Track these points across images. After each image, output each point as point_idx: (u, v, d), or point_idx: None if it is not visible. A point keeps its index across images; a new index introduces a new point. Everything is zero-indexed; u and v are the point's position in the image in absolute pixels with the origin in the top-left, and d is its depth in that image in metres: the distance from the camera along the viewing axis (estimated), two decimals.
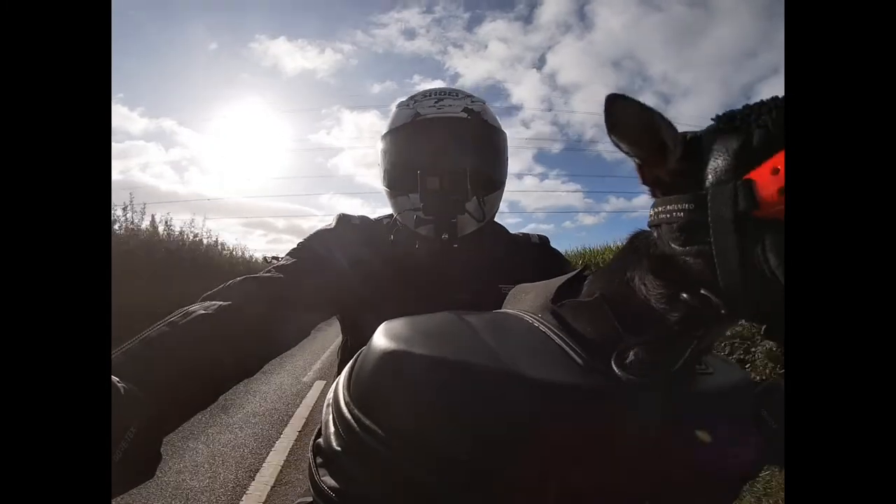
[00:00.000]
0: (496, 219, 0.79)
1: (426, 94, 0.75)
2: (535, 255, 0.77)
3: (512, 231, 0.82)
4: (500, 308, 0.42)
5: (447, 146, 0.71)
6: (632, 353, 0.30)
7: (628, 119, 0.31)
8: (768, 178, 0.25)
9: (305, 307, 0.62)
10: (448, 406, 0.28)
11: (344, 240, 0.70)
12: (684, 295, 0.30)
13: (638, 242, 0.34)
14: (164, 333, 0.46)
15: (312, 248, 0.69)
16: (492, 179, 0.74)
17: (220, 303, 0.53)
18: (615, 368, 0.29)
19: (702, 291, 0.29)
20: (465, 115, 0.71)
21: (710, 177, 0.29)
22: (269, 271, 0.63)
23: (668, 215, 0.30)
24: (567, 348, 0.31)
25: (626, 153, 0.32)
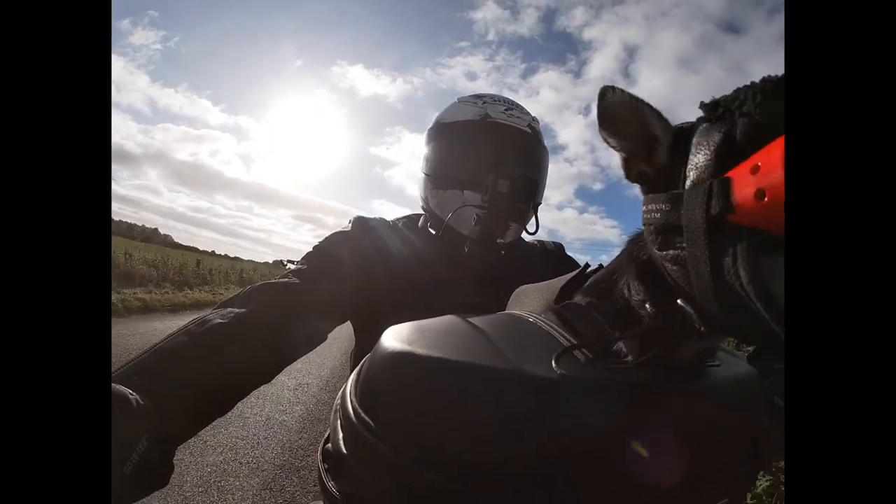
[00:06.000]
0: None
1: (494, 99, 0.75)
2: (554, 262, 0.78)
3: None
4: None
5: (519, 154, 0.72)
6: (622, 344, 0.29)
7: (618, 110, 0.29)
8: (747, 177, 0.22)
9: (321, 312, 0.62)
10: (453, 407, 0.28)
11: (362, 243, 0.69)
12: (661, 304, 0.28)
13: (633, 244, 0.33)
14: (180, 343, 0.47)
15: (328, 253, 0.68)
16: (539, 196, 0.76)
17: (237, 310, 0.53)
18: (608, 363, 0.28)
19: (679, 302, 0.27)
20: (529, 130, 0.73)
21: (690, 174, 0.26)
22: (285, 276, 0.63)
23: (649, 215, 0.29)
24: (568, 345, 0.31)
25: (614, 147, 0.31)
